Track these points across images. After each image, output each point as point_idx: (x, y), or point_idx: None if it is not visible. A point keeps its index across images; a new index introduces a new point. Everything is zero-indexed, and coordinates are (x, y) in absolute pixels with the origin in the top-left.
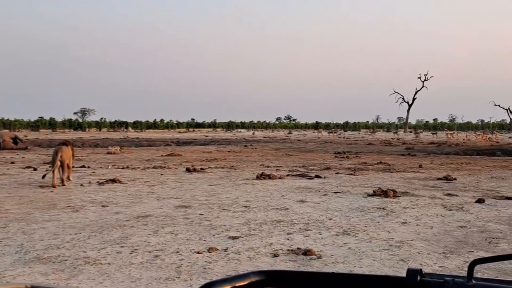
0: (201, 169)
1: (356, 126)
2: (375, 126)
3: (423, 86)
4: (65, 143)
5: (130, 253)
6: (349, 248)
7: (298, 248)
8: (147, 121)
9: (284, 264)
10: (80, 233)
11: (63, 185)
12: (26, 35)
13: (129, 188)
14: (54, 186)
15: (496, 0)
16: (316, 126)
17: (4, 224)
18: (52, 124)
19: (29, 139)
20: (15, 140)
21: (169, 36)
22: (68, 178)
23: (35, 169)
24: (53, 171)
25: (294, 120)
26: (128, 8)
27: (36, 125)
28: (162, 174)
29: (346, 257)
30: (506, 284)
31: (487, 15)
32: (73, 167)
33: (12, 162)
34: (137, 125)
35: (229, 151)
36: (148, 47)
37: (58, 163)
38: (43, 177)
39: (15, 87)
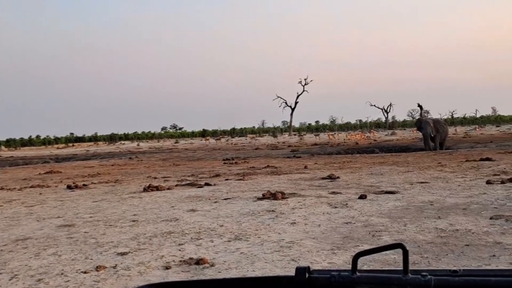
0: (84, 185)
1: (243, 132)
2: (261, 131)
3: (304, 90)
4: None
5: (10, 279)
6: (241, 253)
7: (191, 258)
8: (22, 138)
9: (177, 276)
10: None
11: None
12: None
13: (4, 211)
14: None
15: (371, 6)
16: (203, 133)
17: None
18: None
19: None
20: None
21: (31, 45)
22: None
23: None
24: None
25: (180, 129)
26: None
27: None
28: (41, 194)
29: (239, 262)
30: (387, 273)
31: (362, 20)
32: None
33: None
34: (10, 143)
35: (113, 165)
36: (12, 57)
37: None
38: None
39: None
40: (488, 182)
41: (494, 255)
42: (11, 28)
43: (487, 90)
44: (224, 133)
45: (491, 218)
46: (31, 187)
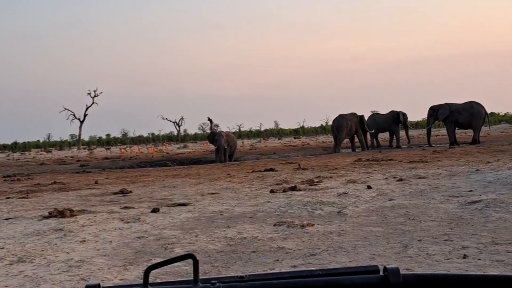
0: None
1: (26, 146)
2: (47, 145)
3: (93, 103)
4: None
5: None
6: (25, 276)
7: None
8: None
9: None
10: None
11: None
12: None
13: None
14: None
15: (161, 20)
16: None
17: None
18: None
19: None
20: None
21: None
22: None
23: None
24: None
25: None
26: None
27: None
28: None
29: (22, 285)
30: (178, 284)
31: (151, 32)
32: None
33: None
34: None
35: None
36: None
37: None
38: None
39: None
40: (271, 191)
41: (277, 260)
42: None
43: (270, 105)
44: (5, 147)
45: (274, 225)
46: None
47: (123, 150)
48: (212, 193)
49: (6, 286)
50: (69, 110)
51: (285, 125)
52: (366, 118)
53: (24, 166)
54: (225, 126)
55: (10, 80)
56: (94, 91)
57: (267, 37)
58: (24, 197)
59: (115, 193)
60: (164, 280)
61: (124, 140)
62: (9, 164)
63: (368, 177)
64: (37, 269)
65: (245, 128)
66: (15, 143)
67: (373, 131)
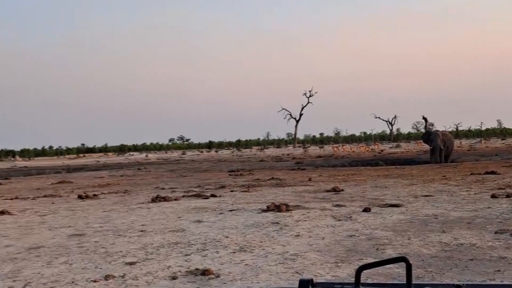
0: (94, 195)
1: (248, 144)
2: (266, 143)
3: (308, 102)
4: None
5: (23, 287)
6: (246, 264)
7: (196, 269)
8: (35, 148)
9: (183, 286)
10: None
11: None
12: None
13: (19, 220)
14: None
15: (374, 14)
16: (210, 145)
17: None
18: None
19: None
20: None
21: (38, 51)
22: None
23: None
24: None
25: (187, 140)
26: None
27: None
28: (53, 203)
29: (243, 273)
30: (391, 287)
31: (366, 30)
32: None
33: None
34: (25, 153)
35: (122, 176)
36: (26, 66)
37: None
38: None
39: None
40: (493, 196)
41: (498, 270)
42: (17, 32)
43: (492, 102)
44: (230, 144)
45: (496, 233)
46: (44, 196)
47: (335, 149)
48: (426, 195)
49: (229, 273)
50: (286, 110)
51: (510, 124)
52: None
53: (246, 162)
54: (441, 125)
55: (234, 85)
56: (310, 91)
57: (483, 32)
58: (245, 191)
59: (328, 191)
60: (376, 282)
61: (337, 139)
62: (233, 160)
63: None
64: (256, 259)
65: (464, 127)
66: (239, 141)
67: None
